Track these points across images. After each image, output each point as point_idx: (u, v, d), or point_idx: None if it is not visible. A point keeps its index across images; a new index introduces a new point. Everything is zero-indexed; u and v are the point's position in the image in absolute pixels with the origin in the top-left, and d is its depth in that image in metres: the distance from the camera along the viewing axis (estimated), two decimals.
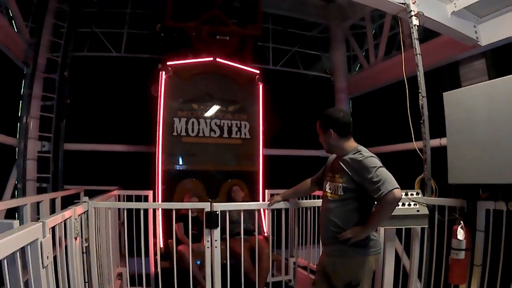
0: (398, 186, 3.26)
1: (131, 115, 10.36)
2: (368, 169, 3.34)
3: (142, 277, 5.08)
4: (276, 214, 6.38)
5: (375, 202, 3.46)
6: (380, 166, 3.34)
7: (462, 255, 4.36)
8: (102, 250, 4.82)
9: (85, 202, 4.30)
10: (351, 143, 3.65)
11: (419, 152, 5.51)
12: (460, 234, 4.34)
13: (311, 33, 13.50)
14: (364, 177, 3.35)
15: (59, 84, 9.86)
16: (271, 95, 9.21)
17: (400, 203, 4.49)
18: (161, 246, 7.25)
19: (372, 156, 3.45)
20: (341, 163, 3.57)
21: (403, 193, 4.58)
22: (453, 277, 4.52)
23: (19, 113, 9.63)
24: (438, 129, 5.02)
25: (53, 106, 9.87)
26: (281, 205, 4.78)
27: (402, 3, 5.79)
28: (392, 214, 4.37)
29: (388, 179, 3.26)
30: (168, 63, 8.23)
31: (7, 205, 5.35)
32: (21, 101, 9.68)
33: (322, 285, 3.69)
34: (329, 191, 3.70)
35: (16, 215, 6.12)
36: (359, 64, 12.90)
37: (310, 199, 6.56)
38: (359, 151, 3.50)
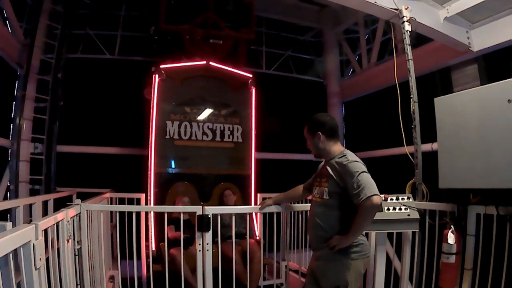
0: (378, 193, 3.29)
1: (124, 118, 10.36)
2: (351, 174, 3.37)
3: (134, 280, 5.08)
4: (268, 218, 6.40)
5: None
6: (363, 171, 3.37)
7: (452, 259, 4.39)
8: (94, 252, 4.82)
9: (78, 204, 4.30)
10: (338, 147, 3.70)
11: (410, 157, 5.54)
12: (451, 238, 4.37)
13: (305, 37, 13.58)
14: (347, 182, 3.39)
15: (52, 85, 9.84)
16: (264, 99, 9.23)
17: (391, 207, 4.53)
18: (153, 249, 7.24)
19: (357, 161, 3.47)
20: (327, 167, 3.61)
21: (394, 197, 4.62)
22: (443, 281, 4.54)
23: (12, 115, 9.61)
24: (430, 134, 5.05)
25: (47, 107, 9.84)
26: (273, 209, 4.79)
27: (395, 9, 5.84)
28: (383, 218, 4.42)
29: (367, 185, 3.29)
30: (161, 66, 8.22)
31: None
32: (14, 103, 9.67)
33: None
34: (317, 195, 3.75)
35: (9, 217, 6.12)
36: (351, 69, 12.98)
37: (301, 203, 6.59)
38: (345, 155, 3.53)
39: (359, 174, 3.34)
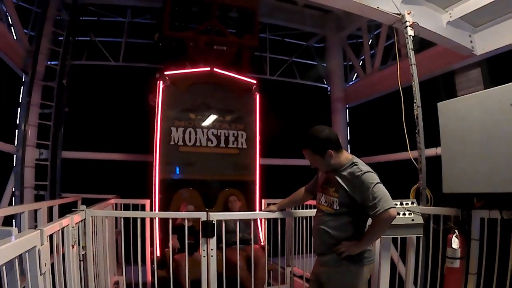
0: (394, 205, 3.28)
1: (129, 124, 10.38)
2: (366, 186, 3.33)
3: (138, 286, 5.08)
4: (272, 224, 6.40)
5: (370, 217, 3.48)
6: (378, 183, 3.34)
7: (457, 263, 4.38)
8: (99, 258, 4.84)
9: (83, 210, 4.32)
10: (346, 155, 3.61)
11: (414, 162, 5.54)
12: (455, 243, 4.36)
13: (308, 43, 13.60)
14: (362, 194, 3.34)
15: (57, 92, 9.88)
16: (268, 105, 9.23)
17: None
18: (158, 255, 7.24)
19: (370, 171, 3.42)
20: (337, 178, 3.52)
21: (398, 203, 4.62)
22: (448, 286, 4.53)
23: (18, 121, 9.64)
24: (434, 139, 5.04)
25: (51, 114, 9.88)
26: (277, 214, 4.79)
27: (397, 14, 5.85)
28: None
29: (385, 197, 3.27)
30: (166, 72, 8.24)
31: (5, 212, 5.38)
32: (19, 109, 9.70)
33: None
34: (324, 204, 3.67)
35: (14, 222, 6.14)
36: (355, 74, 12.96)
37: (305, 208, 6.58)
38: (356, 164, 3.46)
39: (374, 186, 3.31)
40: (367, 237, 3.42)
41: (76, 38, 10.61)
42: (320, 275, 3.68)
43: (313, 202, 6.97)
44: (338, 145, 3.59)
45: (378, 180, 3.37)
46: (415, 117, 5.55)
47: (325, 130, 3.62)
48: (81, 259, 4.07)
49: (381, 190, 3.31)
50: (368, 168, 3.46)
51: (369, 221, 3.49)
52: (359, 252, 3.44)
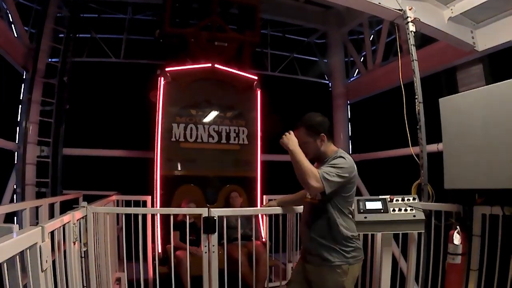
0: (324, 186, 3.20)
1: (130, 121, 10.39)
2: (330, 163, 3.36)
3: (140, 282, 5.08)
4: (273, 220, 6.39)
5: (351, 208, 3.52)
6: (342, 167, 3.32)
7: (458, 259, 4.38)
8: (101, 254, 4.84)
9: (84, 207, 4.32)
10: (334, 148, 3.61)
11: (415, 158, 5.53)
12: (457, 239, 4.36)
13: (309, 39, 13.60)
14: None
15: (58, 89, 9.88)
16: (269, 101, 9.22)
17: (396, 208, 4.52)
18: (160, 251, 7.25)
19: (343, 158, 3.41)
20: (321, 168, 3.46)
21: (400, 198, 4.61)
22: (449, 282, 4.53)
23: (19, 118, 9.67)
24: (436, 135, 5.03)
25: (53, 111, 9.89)
26: (278, 210, 4.79)
27: (399, 10, 5.84)
28: (389, 219, 4.42)
29: (332, 172, 3.25)
30: (167, 69, 8.24)
31: (6, 209, 5.39)
32: (20, 106, 9.73)
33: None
34: (309, 196, 3.69)
35: (15, 219, 6.15)
36: (357, 70, 12.95)
37: None
38: (341, 156, 3.44)
39: (335, 165, 3.32)
40: (299, 156, 3.33)
41: (77, 35, 10.60)
42: (307, 271, 3.65)
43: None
44: (331, 134, 3.61)
45: (344, 166, 3.34)
46: (417, 113, 5.54)
47: (321, 115, 3.66)
48: (83, 255, 4.07)
49: (335, 168, 3.29)
50: (346, 157, 3.44)
51: (344, 220, 3.46)
52: (348, 252, 3.41)
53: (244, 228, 6.10)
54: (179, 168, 8.27)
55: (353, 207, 3.55)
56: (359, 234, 3.76)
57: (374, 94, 11.61)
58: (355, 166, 3.48)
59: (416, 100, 5.59)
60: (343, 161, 3.37)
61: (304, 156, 3.33)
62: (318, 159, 3.59)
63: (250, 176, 8.66)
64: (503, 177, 4.02)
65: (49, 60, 9.99)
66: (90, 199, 4.98)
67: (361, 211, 4.52)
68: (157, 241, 7.26)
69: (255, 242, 5.39)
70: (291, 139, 3.44)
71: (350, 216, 3.55)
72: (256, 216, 7.19)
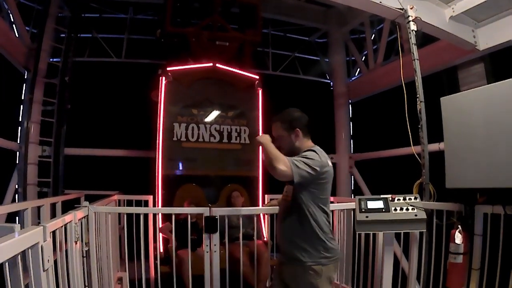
0: (292, 172, 3.14)
1: (132, 120, 10.41)
2: (300, 155, 3.32)
3: (142, 282, 5.10)
4: (275, 219, 6.39)
5: (326, 207, 3.45)
6: (312, 159, 3.26)
7: (460, 259, 4.37)
8: (102, 254, 4.84)
9: (86, 206, 4.32)
10: (310, 143, 3.57)
11: (417, 157, 5.52)
12: (458, 238, 4.35)
13: (311, 38, 13.59)
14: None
15: (59, 89, 9.90)
16: (270, 101, 9.22)
17: (398, 208, 4.53)
18: (161, 250, 7.26)
19: (313, 151, 3.36)
20: None
21: (401, 198, 4.61)
22: (451, 281, 4.52)
23: (20, 118, 9.68)
24: (438, 134, 5.03)
25: (54, 111, 9.90)
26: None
27: (400, 9, 5.83)
28: (390, 218, 4.42)
29: (299, 162, 3.20)
30: (168, 68, 8.25)
31: (8, 209, 5.39)
32: (22, 106, 9.74)
33: None
34: (285, 193, 3.67)
35: (17, 219, 6.16)
36: (358, 69, 12.95)
37: None
38: (314, 150, 3.38)
39: (305, 157, 3.28)
40: (269, 147, 3.30)
41: (78, 35, 10.61)
42: (283, 273, 3.62)
43: None
44: (307, 130, 3.58)
45: (314, 158, 3.28)
46: (418, 112, 5.54)
47: (299, 111, 3.65)
48: (84, 255, 4.08)
49: (305, 159, 3.25)
50: (319, 152, 3.39)
51: (318, 217, 3.40)
52: (322, 252, 3.36)
53: (246, 227, 6.10)
54: (181, 168, 8.28)
55: (327, 208, 3.44)
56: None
57: (376, 93, 11.60)
58: (329, 163, 3.43)
59: (417, 99, 5.58)
60: (314, 154, 3.32)
61: (275, 148, 3.30)
62: (293, 154, 3.47)
63: (252, 176, 8.66)
64: (504, 176, 4.00)
65: (51, 60, 10.01)
66: (91, 199, 4.98)
67: (363, 210, 4.53)
68: (159, 240, 7.28)
69: (257, 242, 5.41)
70: (263, 136, 3.43)
71: (325, 215, 3.46)
72: (258, 216, 7.21)
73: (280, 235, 3.65)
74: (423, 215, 4.57)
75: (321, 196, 3.41)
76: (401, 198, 4.65)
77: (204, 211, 4.69)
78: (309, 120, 3.61)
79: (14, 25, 9.23)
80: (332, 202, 6.76)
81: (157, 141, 8.05)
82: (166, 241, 7.27)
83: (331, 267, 3.42)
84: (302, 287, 3.39)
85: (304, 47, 13.64)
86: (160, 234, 7.23)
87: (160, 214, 7.29)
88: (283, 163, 3.13)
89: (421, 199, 4.91)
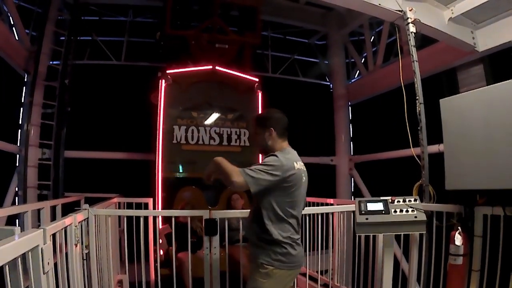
0: (247, 181, 3.17)
1: (131, 123, 10.41)
2: (263, 161, 3.34)
3: (142, 284, 5.10)
4: None
5: (293, 210, 3.37)
6: (272, 165, 3.24)
7: (460, 260, 4.37)
8: (103, 257, 4.84)
9: (86, 209, 4.32)
10: (283, 145, 3.55)
11: (416, 159, 5.53)
12: (458, 239, 4.35)
13: (310, 40, 13.62)
14: None
15: (59, 91, 9.91)
16: (270, 103, 9.21)
17: (398, 209, 4.52)
18: (161, 253, 7.25)
19: (274, 156, 3.33)
20: None
21: (401, 200, 4.61)
22: (451, 283, 4.53)
23: (20, 121, 9.70)
24: (437, 135, 5.03)
25: (54, 113, 9.92)
26: None
27: (399, 11, 5.85)
28: (390, 220, 4.42)
29: (256, 170, 3.21)
30: (168, 71, 8.27)
31: (8, 212, 5.39)
32: (22, 109, 9.76)
33: None
34: None
35: (17, 222, 6.17)
36: (357, 71, 12.97)
37: (308, 206, 6.57)
38: (275, 155, 3.35)
39: (263, 163, 3.28)
40: (220, 162, 3.44)
41: (78, 38, 10.61)
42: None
43: (312, 200, 7.02)
44: (283, 132, 3.57)
45: (274, 164, 3.26)
46: (418, 113, 5.55)
47: (279, 113, 3.67)
48: (84, 258, 4.08)
49: (260, 167, 3.24)
50: (282, 156, 3.35)
51: (267, 215, 3.36)
52: (276, 254, 3.31)
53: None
54: (181, 170, 8.28)
55: (296, 212, 3.38)
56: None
57: (375, 95, 11.62)
58: (296, 166, 3.37)
59: (417, 101, 5.60)
60: (275, 159, 3.29)
61: (228, 163, 3.36)
62: (265, 152, 3.53)
63: None
64: (504, 177, 4.00)
65: (50, 62, 10.04)
66: (91, 202, 4.99)
67: (363, 212, 4.52)
68: (159, 243, 7.27)
69: None
70: (216, 158, 3.55)
71: (293, 219, 3.40)
72: None
73: (246, 231, 3.74)
74: (423, 217, 4.56)
75: (288, 199, 3.35)
76: (401, 200, 4.64)
77: (204, 213, 4.69)
78: (288, 123, 3.61)
79: (14, 28, 9.25)
80: (331, 204, 6.81)
81: (157, 144, 8.06)
82: (167, 243, 7.28)
83: (286, 273, 3.37)
84: (251, 283, 3.43)
85: (303, 49, 13.67)
86: (162, 235, 7.23)
87: (160, 217, 7.29)
88: (237, 176, 3.19)
89: (421, 201, 4.90)
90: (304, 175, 3.48)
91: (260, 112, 3.61)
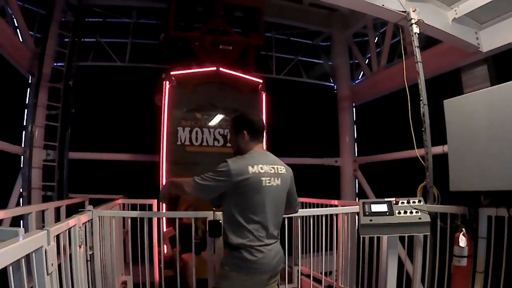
0: (195, 190, 3.29)
1: (136, 124, 10.41)
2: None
3: (146, 285, 5.10)
4: None
5: (254, 216, 3.27)
6: (219, 170, 3.29)
7: (464, 262, 4.36)
8: (107, 258, 4.85)
9: (90, 210, 4.33)
10: (252, 148, 3.50)
11: (421, 160, 5.52)
12: (462, 241, 4.34)
13: (314, 41, 13.61)
14: None
15: (64, 93, 9.94)
16: (274, 104, 9.24)
17: (402, 211, 4.52)
18: (165, 254, 7.26)
19: (227, 162, 3.33)
20: None
21: (405, 201, 4.60)
22: (455, 284, 4.51)
23: (25, 122, 9.72)
24: (441, 136, 5.02)
25: (58, 115, 9.95)
26: None
27: (403, 12, 5.83)
28: (394, 222, 4.41)
29: (203, 178, 3.29)
30: (172, 72, 8.28)
31: (12, 213, 5.39)
32: (26, 110, 9.78)
33: None
34: None
35: (21, 223, 6.18)
36: (362, 72, 12.96)
37: (312, 207, 6.57)
38: (226, 160, 3.35)
39: (216, 168, 3.32)
40: (172, 181, 3.59)
41: (82, 40, 10.67)
42: None
43: (316, 201, 7.01)
44: (257, 135, 3.53)
45: (222, 169, 3.28)
46: (422, 115, 5.54)
47: (255, 116, 3.67)
48: (88, 259, 4.08)
49: (212, 172, 3.31)
50: (234, 160, 3.36)
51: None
52: (231, 256, 3.30)
53: None
54: (185, 172, 8.28)
55: (259, 217, 3.28)
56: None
57: (379, 96, 11.60)
58: (250, 171, 3.28)
59: (421, 102, 5.58)
60: (224, 165, 3.30)
61: (178, 179, 3.55)
62: (237, 153, 3.54)
63: None
64: (508, 178, 4.00)
65: (55, 64, 10.07)
66: (96, 203, 5.01)
67: (367, 213, 4.52)
68: (163, 244, 7.28)
69: None
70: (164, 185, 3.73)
71: (256, 225, 3.30)
72: None
73: None
74: (427, 218, 4.56)
75: (247, 205, 3.29)
76: (405, 201, 4.63)
77: (208, 215, 4.69)
78: (263, 126, 3.60)
79: (18, 30, 9.28)
80: (336, 206, 6.80)
81: (161, 145, 8.08)
82: (172, 245, 7.28)
83: (244, 277, 3.27)
84: (213, 278, 3.61)
85: (307, 51, 13.65)
86: (166, 238, 7.23)
87: (164, 218, 7.29)
88: (187, 186, 3.32)
89: (425, 202, 4.89)
90: (272, 178, 3.38)
91: (237, 114, 3.55)
